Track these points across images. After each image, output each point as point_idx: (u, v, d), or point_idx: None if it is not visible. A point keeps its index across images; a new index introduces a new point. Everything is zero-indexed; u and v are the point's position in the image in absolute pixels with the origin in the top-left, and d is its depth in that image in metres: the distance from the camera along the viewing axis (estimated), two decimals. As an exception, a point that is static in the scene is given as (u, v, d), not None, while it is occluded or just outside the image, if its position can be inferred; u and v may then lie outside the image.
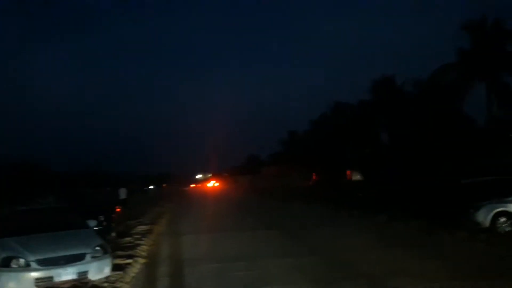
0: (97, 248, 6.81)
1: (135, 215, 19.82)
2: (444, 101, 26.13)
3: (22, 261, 6.14)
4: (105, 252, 6.89)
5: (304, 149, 41.83)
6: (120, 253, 9.19)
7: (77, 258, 6.43)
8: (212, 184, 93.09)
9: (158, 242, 11.64)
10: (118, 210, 16.65)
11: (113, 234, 12.43)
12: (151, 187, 78.02)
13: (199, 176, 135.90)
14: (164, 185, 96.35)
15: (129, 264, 8.11)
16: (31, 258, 6.18)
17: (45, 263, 6.18)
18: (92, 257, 6.61)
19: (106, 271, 6.77)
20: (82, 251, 6.56)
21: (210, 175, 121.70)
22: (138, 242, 11.08)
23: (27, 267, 6.11)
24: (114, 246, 10.34)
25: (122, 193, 27.84)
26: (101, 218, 12.23)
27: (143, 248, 10.21)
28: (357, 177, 20.93)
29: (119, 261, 8.23)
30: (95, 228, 11.52)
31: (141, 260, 8.70)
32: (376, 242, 10.02)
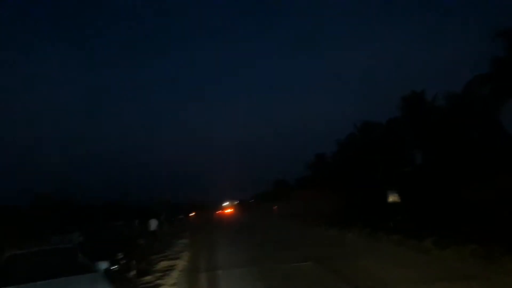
0: None
1: (161, 248, 19.01)
2: (480, 114, 24.62)
3: None
4: None
5: (333, 172, 40.47)
6: (137, 296, 8.23)
7: None
8: (229, 211, 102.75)
9: (179, 281, 10.62)
10: (141, 244, 15.86)
11: (133, 272, 11.57)
12: (180, 216, 77.29)
13: (226, 203, 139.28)
14: (192, 213, 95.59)
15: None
16: None
17: None
18: None
19: None
20: None
21: (236, 202, 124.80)
22: (159, 281, 10.11)
23: None
24: (132, 287, 9.45)
25: (153, 224, 27.06)
26: (120, 255, 11.42)
27: (163, 289, 9.23)
28: (394, 198, 19.42)
29: (134, 308, 7.29)
30: (112, 268, 10.77)
31: (159, 305, 7.71)
32: (428, 275, 8.70)
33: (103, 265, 7.09)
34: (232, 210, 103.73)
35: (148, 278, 10.68)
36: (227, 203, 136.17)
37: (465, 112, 25.53)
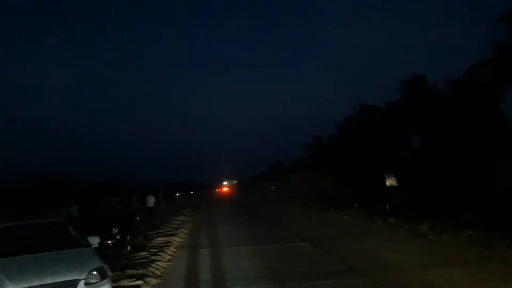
0: (94, 272, 5.63)
1: (157, 224, 19.03)
2: (481, 101, 24.39)
3: None
4: (103, 277, 5.69)
5: (330, 154, 40.42)
6: (130, 271, 8.18)
7: (68, 286, 5.31)
8: (225, 189, 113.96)
9: (175, 257, 10.64)
10: (137, 219, 15.81)
11: (128, 248, 11.56)
12: (178, 194, 77.70)
13: (225, 183, 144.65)
14: (191, 192, 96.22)
15: (137, 286, 7.07)
16: (11, 287, 5.12)
17: None
18: (86, 283, 5.46)
19: None
20: (75, 277, 5.42)
21: (235, 182, 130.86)
22: (154, 257, 10.10)
23: None
24: (126, 262, 9.45)
25: (150, 201, 27.11)
26: (115, 230, 11.37)
27: (158, 265, 9.20)
28: (391, 182, 19.38)
29: (126, 282, 7.23)
30: (105, 243, 10.76)
31: (153, 281, 7.65)
32: (423, 259, 8.70)
33: (95, 239, 6.95)
34: (228, 189, 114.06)
35: (143, 253, 10.65)
36: (226, 182, 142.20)
37: (466, 98, 25.32)
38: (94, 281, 5.58)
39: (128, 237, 11.62)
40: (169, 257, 10.55)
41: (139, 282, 7.38)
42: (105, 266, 5.94)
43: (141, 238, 13.91)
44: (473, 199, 15.27)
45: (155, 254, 10.61)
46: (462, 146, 22.16)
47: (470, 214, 13.13)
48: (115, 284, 6.53)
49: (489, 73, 24.54)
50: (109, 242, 10.84)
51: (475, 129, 24.27)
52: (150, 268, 8.74)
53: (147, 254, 10.55)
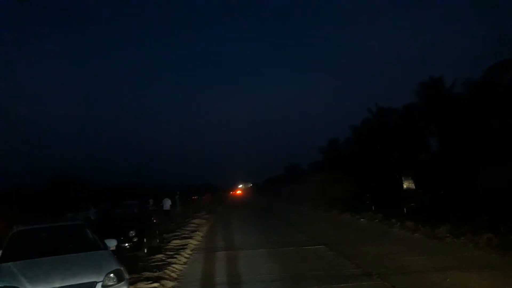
0: (111, 275, 5.70)
1: (173, 227, 19.15)
2: (500, 103, 23.92)
3: None
4: (120, 279, 5.77)
5: (346, 157, 40.12)
6: (147, 274, 8.25)
7: None
8: (238, 192, 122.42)
9: (191, 260, 10.69)
10: (154, 222, 15.95)
11: (145, 250, 11.65)
12: (194, 197, 78.05)
13: (240, 186, 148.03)
14: (207, 194, 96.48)
15: (154, 289, 7.14)
16: None
17: None
18: (104, 286, 5.55)
19: None
20: (92, 280, 5.50)
21: (250, 184, 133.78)
22: (170, 260, 10.16)
23: None
24: (143, 265, 9.52)
25: (166, 204, 27.29)
26: (132, 233, 11.47)
27: (174, 268, 9.25)
28: (409, 184, 19.17)
29: (143, 285, 7.29)
30: (122, 246, 10.87)
31: (169, 284, 7.70)
32: (441, 262, 8.56)
33: (112, 242, 7.06)
34: (242, 192, 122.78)
35: (159, 256, 10.72)
36: (241, 185, 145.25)
37: (485, 99, 24.88)
38: (111, 283, 5.65)
39: (144, 240, 11.71)
40: (185, 259, 10.60)
41: (155, 284, 7.44)
42: (122, 268, 6.01)
43: (157, 240, 14.01)
44: (493, 202, 14.97)
45: (172, 256, 10.67)
46: (480, 149, 21.78)
47: (490, 217, 12.87)
48: (132, 287, 6.60)
49: (510, 75, 24.08)
50: (126, 244, 10.94)
51: (494, 132, 23.79)
52: (166, 270, 8.80)
53: (163, 257, 10.61)
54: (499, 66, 23.52)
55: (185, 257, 10.90)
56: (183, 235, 15.68)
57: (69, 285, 5.34)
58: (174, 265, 9.50)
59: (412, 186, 19.02)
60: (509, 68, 22.79)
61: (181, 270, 9.22)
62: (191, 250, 12.20)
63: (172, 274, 8.58)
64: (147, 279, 7.78)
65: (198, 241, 14.61)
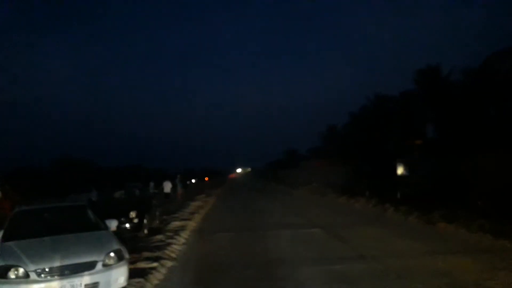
0: (111, 254, 5.88)
1: (173, 209, 19.41)
2: (498, 91, 23.99)
3: (21, 271, 5.34)
4: (120, 258, 5.95)
5: (344, 143, 40.36)
6: (147, 254, 8.49)
7: (86, 267, 5.54)
8: (234, 175, 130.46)
9: (190, 241, 10.96)
10: (155, 203, 16.19)
11: (145, 231, 11.91)
12: (193, 180, 78.35)
13: (239, 170, 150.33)
14: (206, 178, 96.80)
15: (153, 268, 7.34)
16: (31, 267, 5.35)
17: (47, 274, 5.36)
18: (104, 265, 5.71)
19: (121, 281, 5.85)
20: (93, 259, 5.67)
21: (249, 169, 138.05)
22: (170, 240, 10.41)
23: (25, 278, 5.29)
24: (143, 245, 9.76)
25: (167, 187, 27.58)
26: (132, 214, 11.71)
27: (174, 248, 9.51)
28: (402, 170, 19.40)
29: (143, 264, 7.51)
30: (126, 226, 11.14)
31: (169, 263, 7.95)
32: (434, 247, 8.80)
33: (113, 223, 7.23)
34: (235, 175, 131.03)
35: (159, 237, 10.95)
36: (240, 170, 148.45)
37: (483, 88, 24.96)
38: (111, 262, 5.82)
39: (145, 221, 11.95)
40: (184, 240, 10.86)
41: (155, 264, 7.66)
42: (122, 248, 6.20)
43: (157, 222, 14.27)
44: (488, 189, 15.20)
45: (171, 237, 10.90)
46: (478, 136, 21.97)
47: (484, 203, 13.10)
48: (131, 266, 6.82)
49: (509, 64, 24.11)
50: (127, 225, 11.19)
51: (491, 119, 23.93)
52: (166, 251, 9.03)
53: (163, 238, 10.85)
54: (496, 56, 23.59)
55: (184, 238, 11.16)
56: (182, 217, 15.93)
57: (70, 264, 5.50)
58: (173, 246, 9.74)
59: (406, 172, 19.23)
60: (509, 56, 22.84)
61: (180, 250, 9.47)
62: (190, 231, 12.47)
63: (172, 254, 8.83)
64: (147, 259, 8.01)
65: (197, 222, 14.90)
